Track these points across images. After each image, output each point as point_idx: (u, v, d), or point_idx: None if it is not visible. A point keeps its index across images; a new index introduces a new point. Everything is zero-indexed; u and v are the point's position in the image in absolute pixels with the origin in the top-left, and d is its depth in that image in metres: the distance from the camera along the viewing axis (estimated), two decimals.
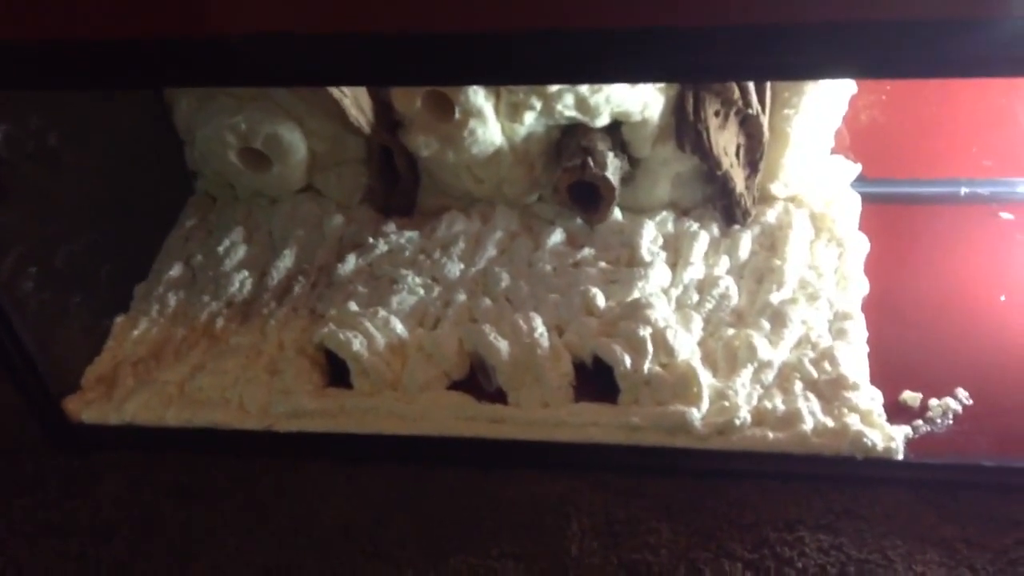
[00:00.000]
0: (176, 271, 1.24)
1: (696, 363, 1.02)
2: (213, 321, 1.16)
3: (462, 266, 1.19)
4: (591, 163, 1.15)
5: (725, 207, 1.18)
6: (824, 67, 0.76)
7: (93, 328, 1.17)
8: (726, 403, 1.00)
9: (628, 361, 1.02)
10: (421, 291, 1.15)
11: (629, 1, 0.74)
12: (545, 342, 1.06)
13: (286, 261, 1.23)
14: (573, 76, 0.88)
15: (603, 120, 1.14)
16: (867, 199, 1.20)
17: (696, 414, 0.99)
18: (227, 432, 1.05)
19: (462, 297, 1.14)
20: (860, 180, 1.21)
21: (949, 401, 0.99)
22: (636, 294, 1.11)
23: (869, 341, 1.05)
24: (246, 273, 1.22)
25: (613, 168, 1.16)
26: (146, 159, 1.29)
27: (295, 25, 0.77)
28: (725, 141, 1.14)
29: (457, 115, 1.13)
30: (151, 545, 0.97)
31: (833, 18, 0.69)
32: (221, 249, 1.25)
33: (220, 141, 1.23)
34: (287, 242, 1.25)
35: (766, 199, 1.20)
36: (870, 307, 1.09)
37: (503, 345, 1.05)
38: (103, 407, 1.07)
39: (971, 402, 0.99)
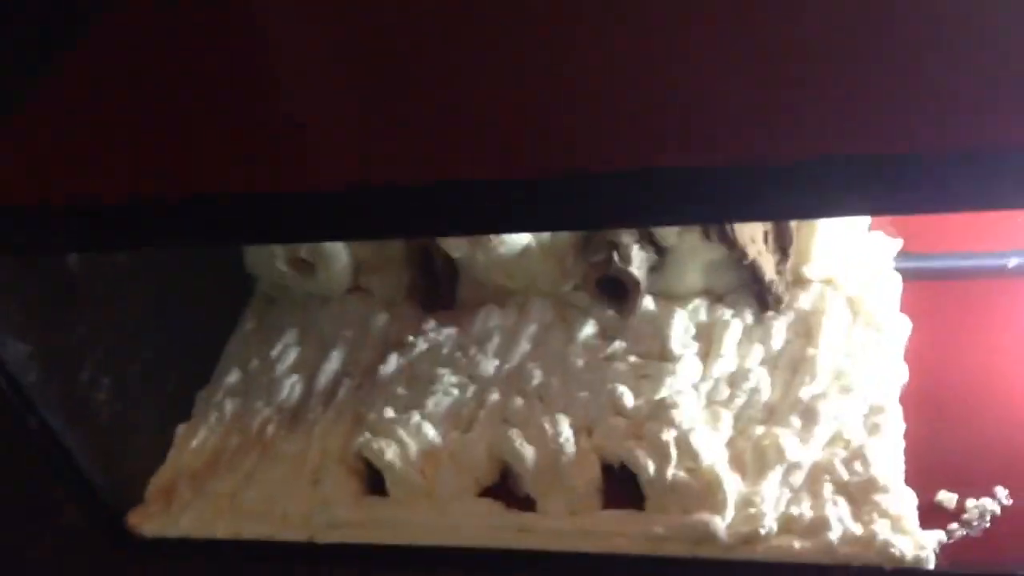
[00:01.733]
0: (234, 377, 1.30)
1: (722, 467, 1.01)
2: (265, 428, 1.22)
3: (497, 362, 1.21)
4: (616, 258, 1.15)
5: (758, 293, 1.17)
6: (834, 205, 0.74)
7: (159, 437, 1.24)
8: (752, 510, 0.98)
9: (652, 467, 1.02)
10: (456, 391, 1.18)
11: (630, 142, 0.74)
12: (571, 447, 1.07)
13: (333, 363, 1.28)
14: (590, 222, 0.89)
15: None
16: (910, 275, 1.16)
17: (721, 523, 0.98)
18: (272, 544, 1.10)
19: (495, 396, 1.16)
20: (902, 255, 1.17)
21: (986, 501, 0.95)
22: (665, 390, 1.10)
23: (906, 435, 1.01)
24: (296, 377, 1.27)
25: (639, 261, 1.16)
26: (210, 263, 1.37)
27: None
28: (751, 229, 1.12)
29: None
30: None
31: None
32: (274, 353, 1.31)
33: (268, 251, 1.30)
34: (335, 343, 1.30)
35: (801, 282, 1.18)
36: (909, 396, 1.05)
37: (528, 452, 1.07)
38: (163, 520, 1.14)
39: (1010, 502, 0.95)
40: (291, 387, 1.26)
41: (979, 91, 0.69)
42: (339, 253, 1.28)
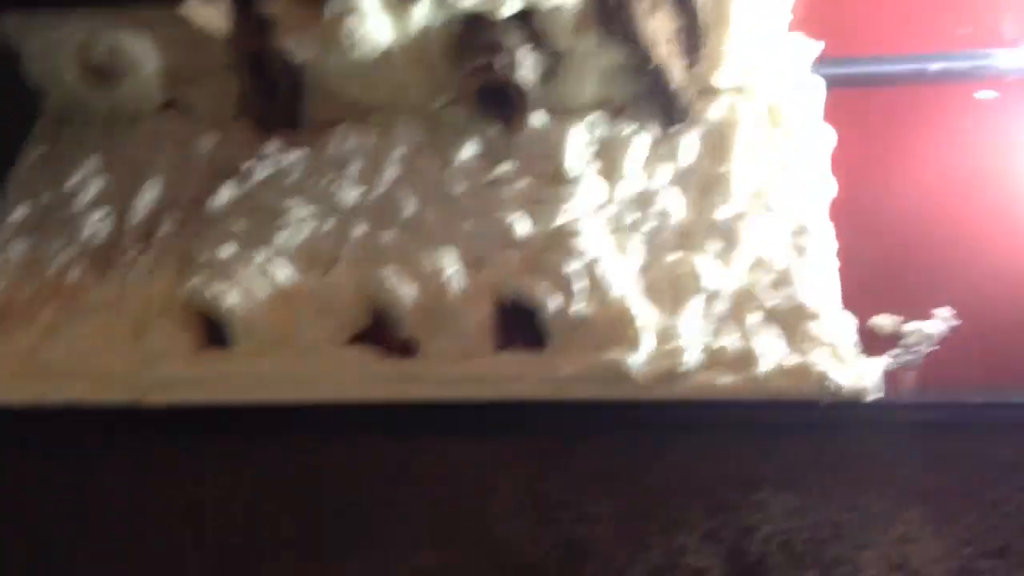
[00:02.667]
0: (20, 213, 1.04)
1: (634, 298, 0.87)
2: (65, 273, 0.98)
3: (359, 191, 1.01)
4: (497, 64, 0.97)
5: (663, 104, 1.01)
6: None
7: None
8: (671, 345, 0.85)
9: (553, 303, 0.87)
10: (311, 224, 0.98)
11: None
12: (457, 283, 0.90)
13: (150, 195, 1.04)
14: None
15: (510, 8, 0.95)
16: (830, 82, 1.03)
17: (634, 360, 0.84)
18: (86, 409, 0.88)
19: (360, 230, 0.97)
20: (822, 61, 1.03)
21: (931, 323, 0.85)
22: (563, 216, 0.94)
23: (839, 254, 0.90)
24: (102, 212, 1.03)
25: (526, 67, 0.98)
26: None
27: None
28: (657, 27, 0.96)
29: (326, 12, 0.93)
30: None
31: None
32: (72, 184, 1.05)
33: (54, 56, 1.03)
34: (150, 171, 1.05)
35: (710, 92, 1.03)
36: (839, 213, 0.94)
37: (408, 290, 0.89)
38: None
39: (957, 322, 0.85)
40: (96, 224, 1.02)
41: None
42: (145, 57, 1.03)
